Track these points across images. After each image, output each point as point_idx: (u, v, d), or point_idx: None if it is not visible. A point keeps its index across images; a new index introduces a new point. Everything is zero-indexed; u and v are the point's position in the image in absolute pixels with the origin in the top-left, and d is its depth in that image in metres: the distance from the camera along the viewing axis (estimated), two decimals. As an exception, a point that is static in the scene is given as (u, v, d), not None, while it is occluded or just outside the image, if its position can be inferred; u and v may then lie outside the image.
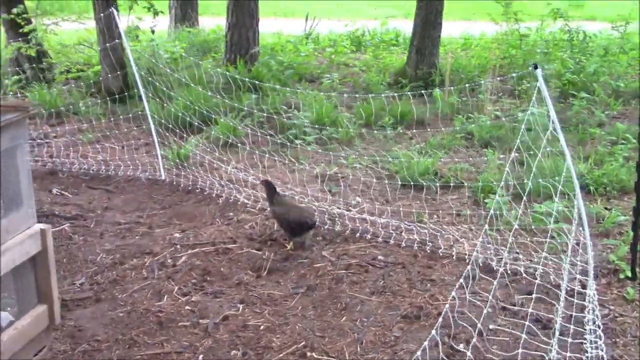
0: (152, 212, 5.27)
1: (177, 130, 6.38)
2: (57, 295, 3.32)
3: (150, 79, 8.62)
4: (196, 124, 6.65)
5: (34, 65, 8.94)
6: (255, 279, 4.12)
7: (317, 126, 6.75)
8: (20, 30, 8.62)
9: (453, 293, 3.14)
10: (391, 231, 4.74)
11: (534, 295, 3.49)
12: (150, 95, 8.01)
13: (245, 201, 5.35)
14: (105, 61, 8.59)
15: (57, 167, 6.20)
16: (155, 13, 9.13)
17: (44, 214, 5.07)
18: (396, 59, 10.50)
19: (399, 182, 5.52)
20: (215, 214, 5.19)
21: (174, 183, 5.80)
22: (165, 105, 7.59)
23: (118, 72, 8.52)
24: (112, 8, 6.82)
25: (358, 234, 4.74)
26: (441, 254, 4.41)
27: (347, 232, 4.78)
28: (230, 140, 6.45)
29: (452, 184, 5.48)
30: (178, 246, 4.55)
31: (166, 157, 6.18)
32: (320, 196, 5.39)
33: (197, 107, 7.25)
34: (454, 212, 5.08)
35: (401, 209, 5.02)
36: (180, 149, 6.28)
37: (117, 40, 7.44)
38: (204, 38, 11.57)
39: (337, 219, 4.99)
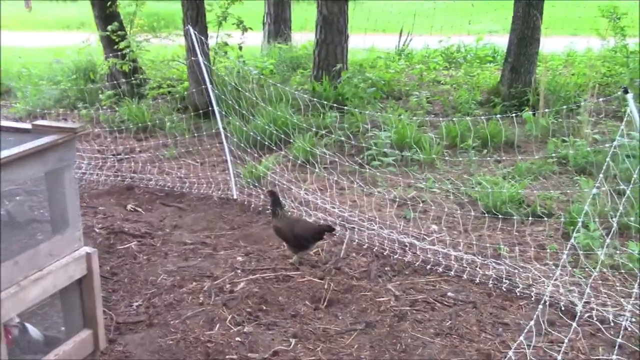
0: (219, 233, 5.17)
1: (257, 149, 6.29)
2: (102, 320, 3.24)
3: (234, 95, 8.75)
4: (275, 142, 6.55)
5: (128, 80, 9.21)
6: (312, 311, 3.89)
7: (397, 147, 6.46)
8: (116, 47, 8.89)
9: (521, 338, 2.78)
10: (465, 265, 4.38)
11: (620, 348, 3.05)
12: (232, 112, 8.09)
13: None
14: (191, 77, 8.71)
15: (135, 183, 6.26)
16: (244, 29, 9.19)
17: (114, 230, 5.10)
18: (490, 76, 10.01)
19: (480, 210, 5.13)
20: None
21: (245, 203, 5.70)
22: (247, 122, 7.59)
23: (203, 88, 8.60)
24: (189, 26, 6.85)
25: (429, 266, 4.42)
26: (518, 294, 4.01)
27: (418, 263, 4.47)
28: (307, 160, 6.30)
29: (538, 214, 5.03)
30: (239, 270, 4.41)
31: (241, 176, 6.09)
32: (394, 222, 5.10)
33: (276, 126, 7.20)
34: (538, 246, 4.63)
35: (479, 240, 4.64)
36: (255, 168, 6.17)
37: (193, 58, 7.48)
38: (294, 54, 11.56)
39: (408, 248, 4.68)
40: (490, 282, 4.16)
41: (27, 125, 3.08)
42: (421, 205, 5.48)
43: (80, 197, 5.89)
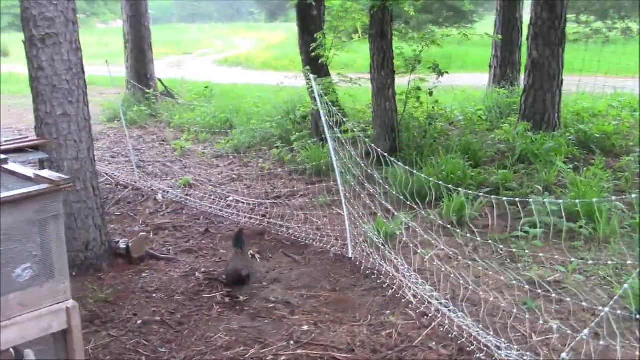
0: (315, 294, 4.78)
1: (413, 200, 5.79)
2: (83, 377, 3.14)
3: (417, 142, 8.27)
4: (435, 196, 5.96)
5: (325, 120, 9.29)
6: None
7: (568, 215, 5.38)
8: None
9: None
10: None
11: None
12: (413, 158, 7.63)
13: (411, 300, 4.48)
14: (375, 122, 8.45)
15: (269, 228, 6.19)
16: (440, 73, 8.66)
17: (213, 277, 5.05)
18: None
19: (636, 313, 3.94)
20: (372, 309, 4.45)
21: (358, 263, 5.23)
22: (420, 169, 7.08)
23: (387, 134, 8.29)
24: (310, 74, 6.57)
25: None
26: None
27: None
28: (456, 222, 5.60)
29: None
30: (292, 342, 3.99)
31: (369, 232, 5.63)
32: (508, 310, 4.17)
33: (443, 178, 6.59)
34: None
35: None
36: (385, 224, 5.65)
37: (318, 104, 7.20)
38: (513, 100, 10.57)
39: (503, 348, 3.76)
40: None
41: (30, 174, 3.14)
42: (553, 294, 4.42)
43: (212, 237, 6.07)
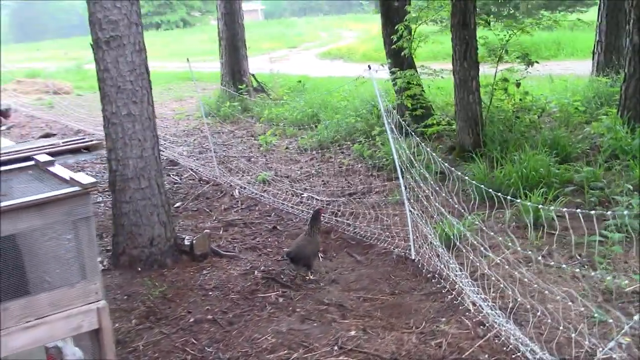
0: (373, 296, 4.63)
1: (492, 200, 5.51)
2: (116, 376, 3.19)
3: (504, 136, 7.84)
4: (515, 195, 5.67)
5: (402, 116, 9.05)
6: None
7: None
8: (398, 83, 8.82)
9: None
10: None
11: None
12: (499, 154, 7.25)
13: (470, 308, 4.22)
14: (458, 116, 8.09)
15: (336, 226, 6.08)
16: (530, 63, 8.17)
17: (271, 276, 5.02)
18: None
19: None
20: (427, 315, 4.24)
21: (419, 266, 5.01)
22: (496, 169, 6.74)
23: (471, 128, 7.92)
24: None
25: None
26: None
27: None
28: (533, 222, 5.25)
29: None
30: (336, 347, 3.87)
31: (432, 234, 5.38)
32: (572, 323, 3.82)
33: (523, 177, 6.23)
34: None
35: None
36: (453, 225, 5.38)
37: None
38: (615, 89, 9.78)
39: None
40: None
41: (66, 175, 3.21)
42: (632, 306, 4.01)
43: (279, 235, 6.05)
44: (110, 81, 4.98)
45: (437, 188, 5.21)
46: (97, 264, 3.15)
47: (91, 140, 4.13)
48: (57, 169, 3.44)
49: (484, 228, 5.34)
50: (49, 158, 3.60)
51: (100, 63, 4.98)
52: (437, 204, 5.17)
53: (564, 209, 3.40)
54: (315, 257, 5.13)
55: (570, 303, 4.05)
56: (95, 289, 3.13)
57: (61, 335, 3.05)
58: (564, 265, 4.21)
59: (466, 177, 4.59)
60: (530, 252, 4.76)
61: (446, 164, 4.75)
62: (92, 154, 3.97)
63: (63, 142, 4.19)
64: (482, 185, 5.62)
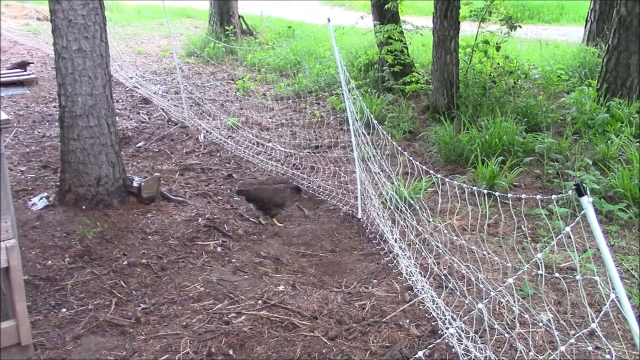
0: (311, 252, 4.63)
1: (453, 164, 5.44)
2: (25, 315, 3.16)
3: (476, 100, 7.72)
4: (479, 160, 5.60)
5: (380, 72, 8.90)
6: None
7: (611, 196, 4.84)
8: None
9: None
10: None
11: None
12: (470, 117, 7.16)
13: (403, 272, 4.20)
14: (434, 75, 7.94)
15: (290, 179, 6.02)
16: (513, 28, 7.98)
17: (214, 225, 4.97)
18: None
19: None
20: (361, 276, 4.23)
21: (364, 225, 4.98)
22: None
23: (446, 89, 7.79)
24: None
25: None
26: None
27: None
28: (489, 190, 5.20)
29: None
30: (260, 302, 3.85)
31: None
32: (504, 296, 3.82)
33: (487, 144, 6.16)
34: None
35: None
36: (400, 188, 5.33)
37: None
38: (600, 60, 9.60)
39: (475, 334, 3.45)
40: None
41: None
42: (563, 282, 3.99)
43: (233, 183, 5.99)
44: (62, 14, 4.82)
45: (401, 149, 5.12)
46: (9, 202, 3.10)
47: (30, 74, 4.02)
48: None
49: (438, 191, 5.32)
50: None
51: (52, -7, 4.82)
52: (387, 165, 5.09)
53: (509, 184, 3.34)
54: (276, 208, 5.14)
55: (505, 273, 4.06)
56: (5, 227, 3.09)
57: (-33, 271, 3.02)
58: (506, 236, 4.18)
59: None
60: (474, 220, 4.76)
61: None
62: (25, 88, 3.86)
63: (2, 74, 4.07)
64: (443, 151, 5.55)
